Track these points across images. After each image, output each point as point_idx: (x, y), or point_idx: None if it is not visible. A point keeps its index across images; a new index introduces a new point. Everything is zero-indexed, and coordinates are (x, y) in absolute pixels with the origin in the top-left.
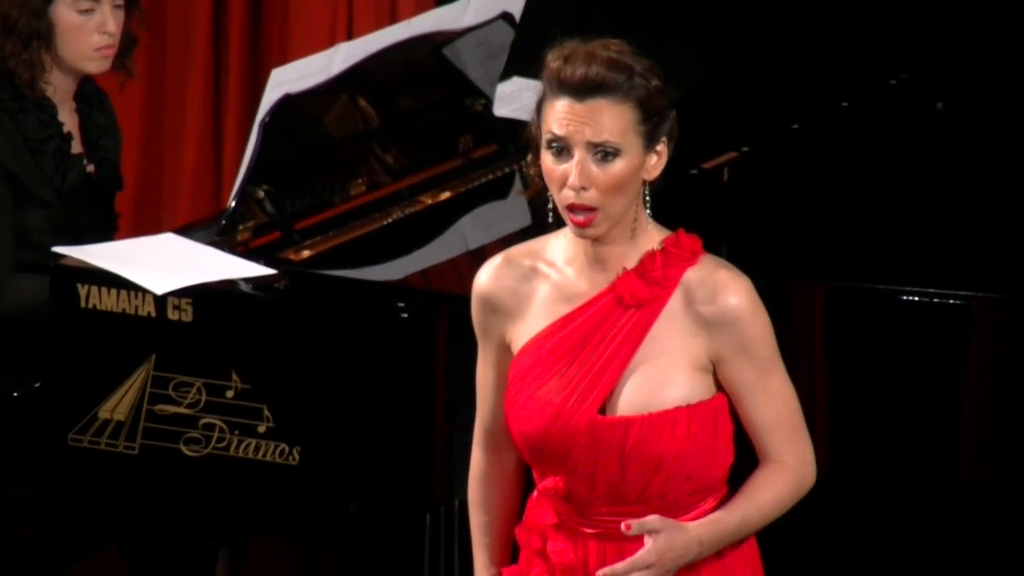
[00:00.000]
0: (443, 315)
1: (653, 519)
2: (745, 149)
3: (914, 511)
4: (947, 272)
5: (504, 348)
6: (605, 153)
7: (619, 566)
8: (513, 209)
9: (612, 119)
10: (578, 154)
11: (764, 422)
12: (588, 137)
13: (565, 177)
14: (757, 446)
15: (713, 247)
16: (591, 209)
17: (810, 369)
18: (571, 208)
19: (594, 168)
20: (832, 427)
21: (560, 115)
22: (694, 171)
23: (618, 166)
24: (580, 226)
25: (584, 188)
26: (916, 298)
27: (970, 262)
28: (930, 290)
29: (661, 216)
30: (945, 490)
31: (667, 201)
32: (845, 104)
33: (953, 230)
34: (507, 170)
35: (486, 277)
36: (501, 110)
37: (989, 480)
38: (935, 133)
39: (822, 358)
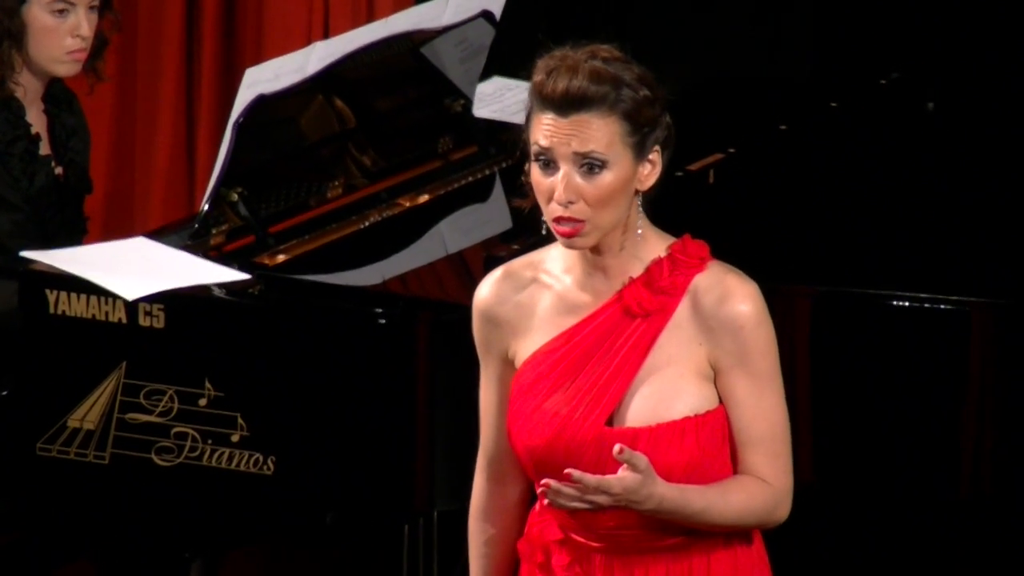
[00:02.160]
0: (422, 321)
1: (643, 459)
2: (731, 150)
3: (913, 530)
4: (940, 276)
5: (507, 364)
6: (592, 165)
7: (589, 478)
8: (493, 212)
9: (598, 132)
10: (563, 168)
11: (748, 440)
12: (574, 148)
13: (552, 190)
14: (740, 466)
15: None
16: (578, 221)
17: (798, 379)
18: (558, 220)
19: (580, 181)
20: (821, 441)
21: (545, 128)
22: (679, 173)
23: (606, 179)
24: (566, 236)
25: (571, 202)
26: (908, 303)
27: (965, 266)
28: (923, 295)
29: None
30: (945, 508)
31: (652, 204)
32: (834, 104)
33: (946, 233)
34: (487, 172)
35: (486, 291)
36: (481, 111)
37: (992, 497)
38: (926, 133)
39: (811, 367)
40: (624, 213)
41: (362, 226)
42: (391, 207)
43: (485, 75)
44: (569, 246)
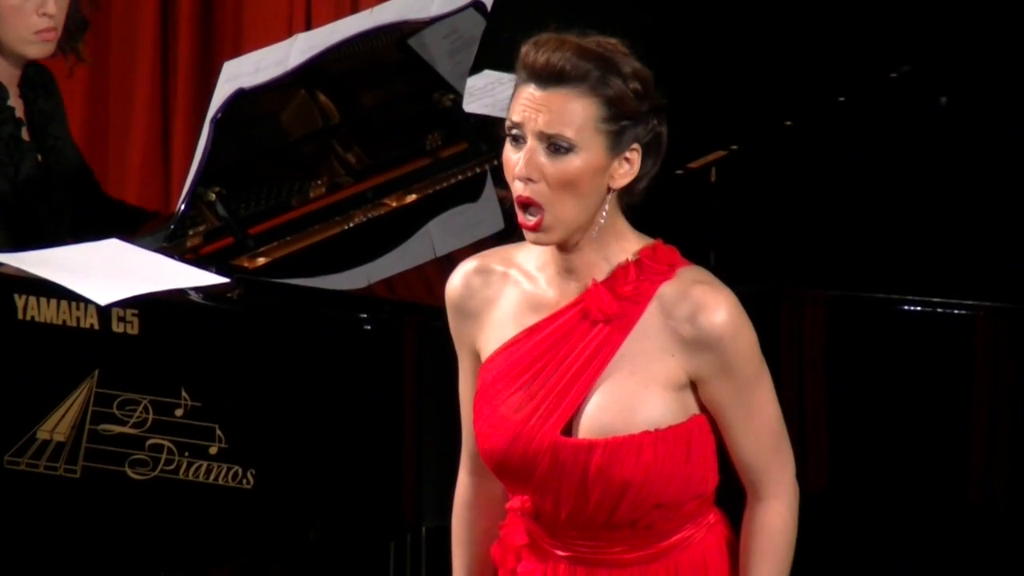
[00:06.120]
0: (410, 327)
1: None
2: (734, 147)
3: (922, 534)
4: (953, 280)
5: (477, 358)
6: (557, 147)
7: None
8: (484, 213)
9: (570, 111)
10: (530, 142)
11: (745, 441)
12: (540, 126)
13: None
14: (737, 465)
15: (701, 253)
16: (539, 207)
17: (808, 385)
18: (520, 203)
19: (544, 160)
20: (832, 447)
21: (520, 101)
22: (679, 171)
23: (570, 162)
24: (529, 230)
25: (532, 180)
26: (920, 308)
27: (977, 269)
28: (935, 299)
29: (642, 220)
30: (955, 512)
31: (650, 204)
32: (842, 99)
33: (959, 234)
34: (478, 170)
35: (457, 282)
36: (472, 106)
37: (1002, 501)
38: (939, 129)
39: (821, 373)
40: (592, 209)
41: (347, 227)
42: (377, 207)
43: (476, 68)
44: (534, 241)
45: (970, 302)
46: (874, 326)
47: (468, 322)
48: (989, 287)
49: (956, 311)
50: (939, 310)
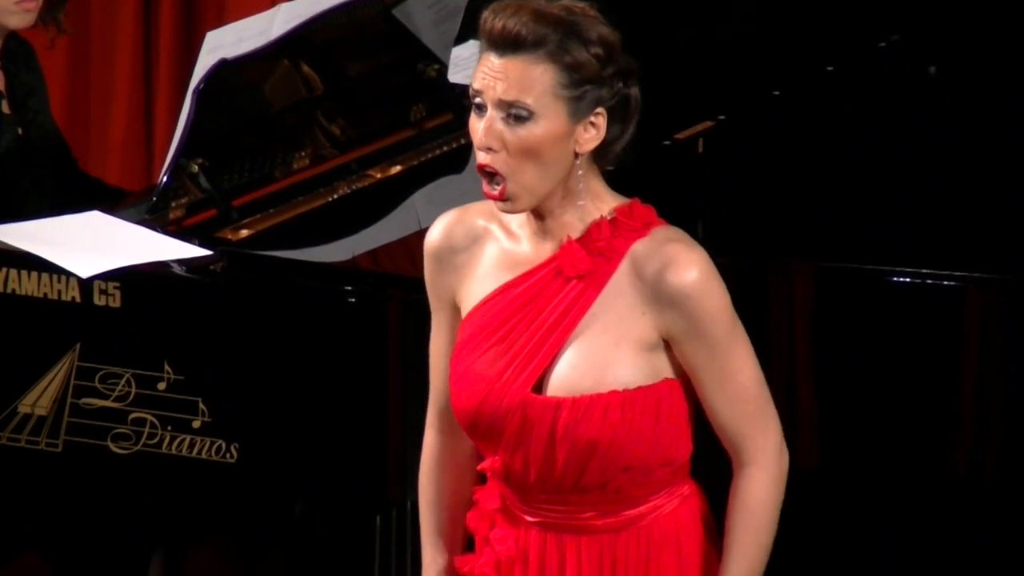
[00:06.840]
0: (394, 300)
1: None
2: (721, 118)
3: (910, 509)
4: (942, 252)
5: (456, 312)
6: (517, 115)
7: None
8: (469, 184)
9: (528, 78)
10: (490, 111)
11: (720, 406)
12: (499, 94)
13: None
14: (717, 431)
15: (688, 224)
16: (501, 176)
17: (796, 357)
18: (482, 172)
19: (503, 128)
20: (820, 420)
21: (480, 69)
22: (666, 142)
23: (533, 131)
24: (493, 200)
25: (492, 149)
26: (909, 279)
27: (967, 240)
28: (924, 271)
29: (628, 190)
30: (943, 486)
31: (635, 175)
32: (830, 69)
33: (948, 206)
34: (463, 141)
35: (437, 232)
36: (456, 76)
37: (990, 476)
38: (928, 100)
39: (809, 345)
40: (557, 175)
41: (331, 199)
42: (361, 179)
43: (460, 38)
44: (502, 211)
45: (959, 273)
46: (863, 298)
47: (447, 274)
48: (979, 258)
49: (946, 282)
50: (928, 282)
